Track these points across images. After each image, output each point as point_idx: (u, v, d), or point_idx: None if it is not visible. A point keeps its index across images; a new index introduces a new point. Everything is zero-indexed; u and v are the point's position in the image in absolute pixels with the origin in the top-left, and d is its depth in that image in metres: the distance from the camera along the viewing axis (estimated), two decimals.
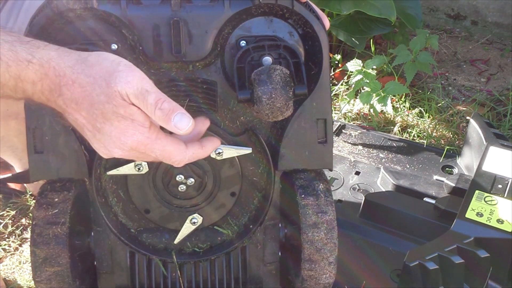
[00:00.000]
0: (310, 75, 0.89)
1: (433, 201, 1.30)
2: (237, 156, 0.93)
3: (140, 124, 0.73)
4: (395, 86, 1.73)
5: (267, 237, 1.00)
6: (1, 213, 1.52)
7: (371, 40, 2.05)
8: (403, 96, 1.94)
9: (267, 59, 0.85)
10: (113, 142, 0.73)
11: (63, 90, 0.72)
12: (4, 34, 0.72)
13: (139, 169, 0.91)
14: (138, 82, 0.72)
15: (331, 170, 0.94)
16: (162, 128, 0.76)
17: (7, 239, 1.47)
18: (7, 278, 1.37)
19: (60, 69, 0.72)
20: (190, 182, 0.94)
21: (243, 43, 0.88)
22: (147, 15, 0.84)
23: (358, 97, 1.80)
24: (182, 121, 0.73)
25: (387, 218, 1.29)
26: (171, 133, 0.76)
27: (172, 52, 0.86)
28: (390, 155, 1.54)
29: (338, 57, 2.06)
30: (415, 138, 1.76)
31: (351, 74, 1.85)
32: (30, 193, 1.56)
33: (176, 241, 0.98)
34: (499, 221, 1.12)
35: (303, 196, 0.91)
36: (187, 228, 0.97)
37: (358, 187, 1.43)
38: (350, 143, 1.59)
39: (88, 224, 0.96)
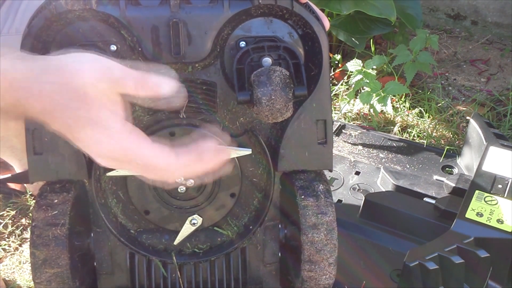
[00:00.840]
0: (310, 76, 0.89)
1: (433, 201, 1.30)
2: (236, 157, 0.93)
3: (115, 130, 0.65)
4: (395, 86, 1.73)
5: (267, 238, 1.00)
6: (1, 213, 1.53)
7: (371, 40, 2.05)
8: (403, 96, 1.94)
9: (267, 60, 0.85)
10: (92, 152, 0.67)
11: (32, 102, 0.65)
12: None
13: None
14: (101, 67, 0.65)
15: (331, 171, 0.94)
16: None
17: (7, 239, 1.47)
18: (7, 278, 1.37)
19: (23, 80, 0.64)
20: (190, 183, 0.94)
21: (242, 44, 0.88)
22: (146, 16, 0.84)
23: (358, 97, 1.80)
24: (161, 79, 0.66)
25: (387, 218, 1.29)
26: None
27: (171, 53, 0.86)
28: (390, 155, 1.54)
29: (338, 57, 2.06)
30: (415, 138, 1.76)
31: (351, 74, 1.85)
32: (30, 193, 1.56)
33: (176, 242, 0.98)
34: (499, 221, 1.12)
35: (303, 197, 0.91)
36: (187, 229, 0.97)
37: (358, 187, 1.43)
38: (350, 143, 1.59)
39: (87, 225, 0.96)
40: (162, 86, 0.66)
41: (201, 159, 0.69)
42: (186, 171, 0.69)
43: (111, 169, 0.92)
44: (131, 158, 0.67)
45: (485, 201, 1.16)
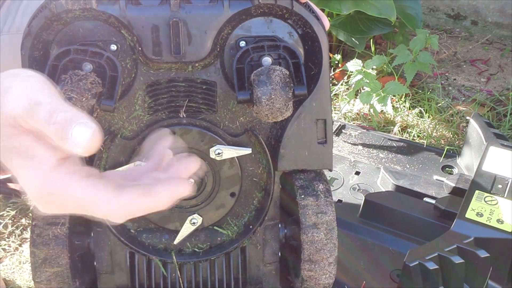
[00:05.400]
0: (309, 76, 0.89)
1: (433, 201, 1.30)
2: (236, 157, 0.93)
3: (40, 161, 0.54)
4: (395, 86, 1.73)
5: (267, 237, 1.00)
6: (1, 213, 1.53)
7: (371, 40, 2.05)
8: (403, 96, 1.94)
9: (267, 60, 0.85)
10: (25, 189, 0.55)
11: None
12: None
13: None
14: (29, 95, 0.54)
15: (331, 170, 0.94)
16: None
17: (7, 239, 1.47)
18: (7, 278, 1.37)
19: None
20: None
21: (242, 43, 0.88)
22: (146, 16, 0.84)
23: (358, 97, 1.80)
24: (81, 133, 0.51)
25: (387, 218, 1.29)
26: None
27: (171, 52, 0.86)
28: (390, 155, 1.54)
29: (338, 57, 2.06)
30: (415, 138, 1.76)
31: (351, 74, 1.85)
32: None
33: (176, 241, 0.98)
34: (499, 221, 1.11)
35: (302, 196, 0.91)
36: (186, 228, 0.97)
37: (358, 187, 1.43)
38: (350, 143, 1.59)
39: (88, 225, 0.97)
40: (79, 142, 0.52)
41: (149, 194, 0.57)
42: (129, 209, 0.56)
43: (111, 168, 0.92)
44: (63, 198, 0.55)
45: (485, 201, 1.16)
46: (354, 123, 1.82)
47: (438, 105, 1.91)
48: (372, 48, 2.03)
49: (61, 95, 0.56)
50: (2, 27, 1.13)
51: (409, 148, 1.57)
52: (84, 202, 0.55)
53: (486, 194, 1.18)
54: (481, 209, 1.14)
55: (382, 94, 1.73)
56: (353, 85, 1.82)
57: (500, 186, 1.21)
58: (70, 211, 0.56)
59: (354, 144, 1.58)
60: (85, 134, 0.51)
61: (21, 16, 1.12)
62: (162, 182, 0.58)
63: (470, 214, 1.13)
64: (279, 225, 1.00)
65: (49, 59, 0.82)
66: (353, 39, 1.95)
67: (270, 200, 0.97)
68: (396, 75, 1.88)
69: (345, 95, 1.92)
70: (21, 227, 1.50)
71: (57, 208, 0.56)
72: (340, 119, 1.84)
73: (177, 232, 0.98)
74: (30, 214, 1.52)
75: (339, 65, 2.05)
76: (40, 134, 0.54)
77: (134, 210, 0.56)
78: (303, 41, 0.90)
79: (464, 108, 1.89)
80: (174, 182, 0.59)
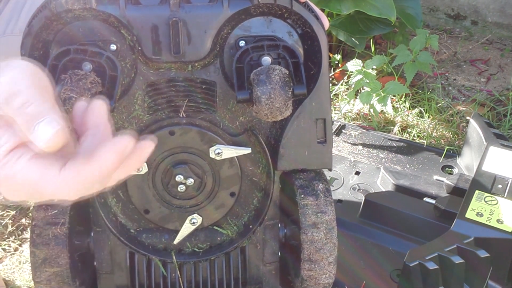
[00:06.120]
0: (309, 75, 0.89)
1: (433, 201, 1.30)
2: (236, 156, 0.93)
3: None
4: (395, 86, 1.73)
5: (267, 237, 1.00)
6: (1, 213, 1.53)
7: (371, 40, 2.05)
8: (403, 96, 1.94)
9: (266, 59, 0.85)
10: None
11: None
12: None
13: (138, 169, 0.91)
14: (11, 83, 0.53)
15: (330, 170, 0.94)
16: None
17: (7, 239, 1.47)
18: (7, 278, 1.37)
19: None
20: (190, 182, 0.94)
21: (242, 43, 0.88)
22: (145, 16, 0.84)
23: (358, 97, 1.80)
24: (45, 130, 0.51)
25: (387, 218, 1.29)
26: None
27: (171, 52, 0.86)
28: (390, 155, 1.54)
29: (338, 57, 2.06)
30: (415, 138, 1.76)
31: (351, 74, 1.85)
32: None
33: (176, 241, 0.98)
34: (499, 221, 1.11)
35: (302, 196, 0.91)
36: (186, 228, 0.97)
37: (358, 187, 1.43)
38: (350, 143, 1.59)
39: (87, 225, 0.96)
40: (40, 138, 0.52)
41: (91, 158, 0.52)
42: (76, 181, 0.53)
43: None
44: (15, 182, 0.54)
45: (485, 201, 1.16)
46: (354, 123, 1.82)
47: (438, 105, 1.91)
48: (372, 48, 2.03)
49: (49, 89, 0.56)
50: (5, 29, 1.12)
51: (409, 148, 1.57)
52: (32, 182, 0.53)
53: (486, 194, 1.18)
54: (481, 209, 1.14)
55: (382, 94, 1.73)
56: (353, 85, 1.82)
57: (500, 186, 1.21)
58: (28, 197, 0.55)
59: (354, 144, 1.59)
60: (48, 132, 0.51)
61: (24, 17, 1.12)
62: (102, 144, 0.53)
63: (470, 214, 1.13)
64: (279, 225, 1.00)
65: (49, 59, 0.82)
66: (353, 39, 1.95)
67: (269, 200, 0.97)
68: (396, 75, 1.88)
69: (345, 95, 1.92)
70: (21, 227, 1.50)
71: (15, 194, 0.55)
72: (340, 119, 1.84)
73: (177, 232, 0.98)
74: (30, 214, 1.52)
75: (339, 65, 2.05)
76: (10, 121, 0.54)
77: (81, 181, 0.53)
78: (302, 41, 0.90)
79: (464, 108, 1.89)
80: (114, 139, 0.53)
